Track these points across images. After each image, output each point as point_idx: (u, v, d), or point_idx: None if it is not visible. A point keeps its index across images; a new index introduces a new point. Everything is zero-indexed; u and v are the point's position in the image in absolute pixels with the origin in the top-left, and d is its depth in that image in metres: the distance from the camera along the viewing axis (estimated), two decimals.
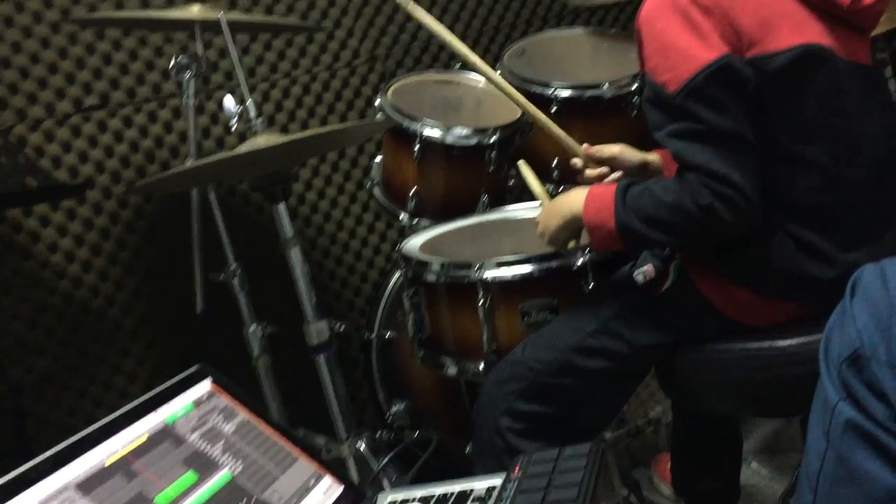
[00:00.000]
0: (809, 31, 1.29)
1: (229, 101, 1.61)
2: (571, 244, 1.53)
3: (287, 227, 1.68)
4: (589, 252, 1.60)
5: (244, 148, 1.47)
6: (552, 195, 2.16)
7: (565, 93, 2.11)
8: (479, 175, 2.06)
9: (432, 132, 2.01)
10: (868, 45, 1.37)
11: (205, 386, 1.11)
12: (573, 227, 1.47)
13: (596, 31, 2.42)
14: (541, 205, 1.71)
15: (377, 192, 2.18)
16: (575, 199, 1.43)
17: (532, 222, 1.96)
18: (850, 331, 0.84)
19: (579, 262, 1.61)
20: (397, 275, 2.22)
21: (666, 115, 1.27)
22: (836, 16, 1.31)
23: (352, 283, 2.50)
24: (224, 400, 1.11)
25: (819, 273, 1.33)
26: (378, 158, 2.19)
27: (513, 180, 2.20)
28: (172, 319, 2.22)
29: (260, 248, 2.08)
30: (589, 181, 1.59)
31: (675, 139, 1.26)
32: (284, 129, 2.36)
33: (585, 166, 1.61)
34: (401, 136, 2.05)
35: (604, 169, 1.56)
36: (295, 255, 1.68)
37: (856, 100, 1.33)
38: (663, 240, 1.33)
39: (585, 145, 1.62)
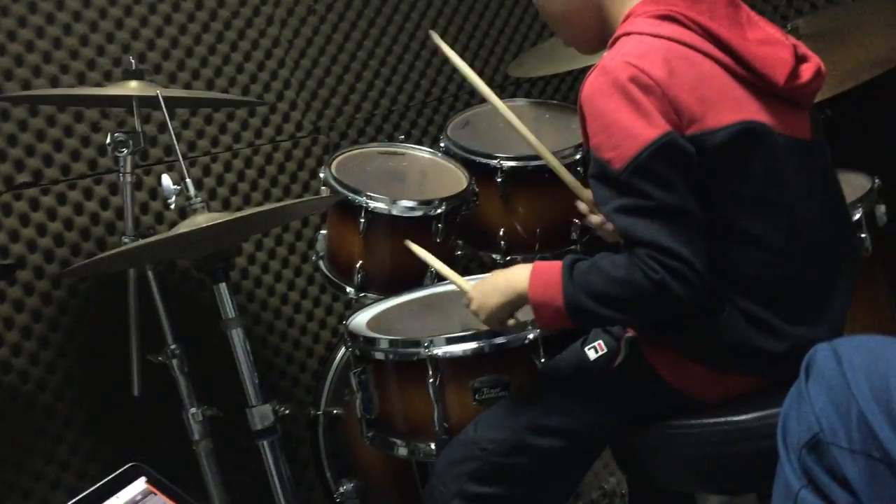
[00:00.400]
0: (747, 109, 1.31)
1: (167, 181, 1.57)
2: (511, 322, 1.48)
3: (229, 308, 1.63)
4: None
5: (183, 228, 1.43)
6: (501, 265, 2.17)
7: (510, 163, 2.12)
8: (426, 247, 2.03)
9: (377, 205, 1.98)
10: (807, 119, 1.39)
11: (138, 486, 1.05)
12: (515, 305, 1.42)
13: (538, 101, 2.45)
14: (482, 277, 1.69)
15: (322, 265, 2.14)
16: (517, 276, 1.38)
17: None
18: (808, 415, 0.82)
19: (530, 336, 1.58)
20: (344, 349, 2.17)
21: (612, 191, 1.27)
22: (772, 93, 1.33)
23: (297, 358, 2.43)
24: (159, 500, 1.05)
25: (769, 346, 1.33)
26: (323, 231, 2.16)
27: (460, 251, 2.19)
28: (108, 404, 2.12)
29: (201, 326, 2.02)
30: (596, 226, 1.64)
31: (622, 215, 1.26)
32: (226, 203, 2.32)
33: (591, 211, 1.66)
34: (346, 210, 2.02)
35: None
36: (237, 337, 1.62)
37: (796, 175, 1.34)
38: (614, 317, 1.31)
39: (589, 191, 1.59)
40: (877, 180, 1.87)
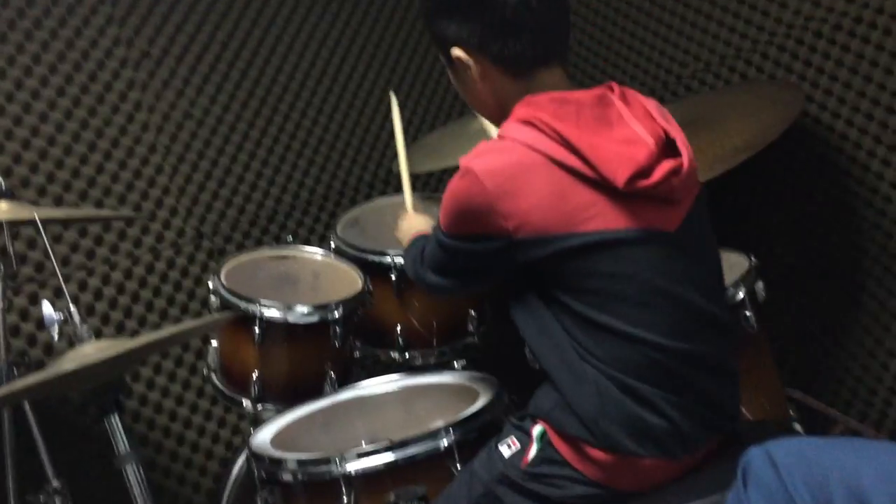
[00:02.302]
0: (589, 213, 1.34)
1: (48, 308, 1.46)
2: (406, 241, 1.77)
3: (122, 442, 1.51)
4: (453, 432, 1.56)
5: (69, 364, 1.32)
6: (400, 362, 2.14)
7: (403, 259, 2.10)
8: (324, 352, 1.99)
9: (272, 313, 1.92)
10: (674, 211, 1.41)
11: None
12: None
13: (426, 196, 2.47)
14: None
15: (215, 379, 2.04)
16: (424, 226, 1.80)
17: (386, 398, 1.92)
18: None
19: (444, 443, 1.55)
20: (239, 463, 2.06)
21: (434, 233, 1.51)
22: (622, 192, 1.36)
23: (189, 478, 2.29)
24: None
25: (649, 418, 1.35)
26: (213, 343, 2.06)
27: (358, 352, 2.14)
28: None
29: (86, 457, 1.87)
30: None
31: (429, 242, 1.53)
32: (105, 319, 2.20)
33: None
34: (239, 319, 1.94)
35: None
36: (132, 473, 1.49)
37: (652, 266, 1.37)
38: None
39: None
40: (753, 258, 1.96)
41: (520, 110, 1.41)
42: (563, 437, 1.43)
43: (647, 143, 1.37)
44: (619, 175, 1.34)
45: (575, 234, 1.34)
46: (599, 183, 1.35)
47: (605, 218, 1.35)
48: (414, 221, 1.90)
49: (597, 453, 1.39)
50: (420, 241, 1.64)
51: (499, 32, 1.39)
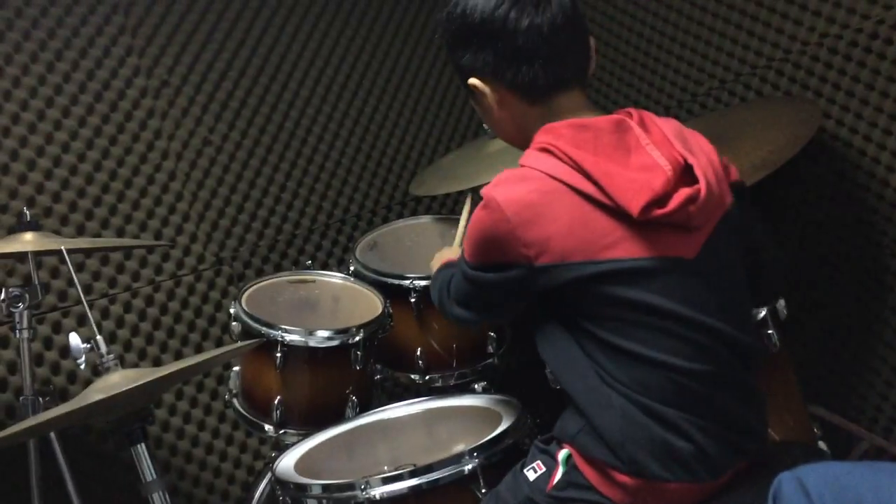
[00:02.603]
0: (605, 240, 1.34)
1: (75, 340, 1.47)
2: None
3: (149, 470, 1.51)
4: (477, 456, 1.56)
5: (98, 395, 1.33)
6: (420, 384, 2.15)
7: (422, 282, 2.11)
8: (345, 376, 1.99)
9: (293, 338, 1.93)
10: (692, 237, 1.39)
11: None
12: None
13: (442, 217, 2.48)
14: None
15: (237, 404, 2.05)
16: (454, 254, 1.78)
17: (408, 422, 1.92)
18: None
19: (468, 467, 1.55)
20: (262, 487, 2.06)
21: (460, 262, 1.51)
22: (639, 221, 1.35)
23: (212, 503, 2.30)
24: None
25: (675, 442, 1.34)
26: (236, 368, 2.07)
27: (378, 375, 2.15)
28: None
29: (111, 485, 1.88)
30: None
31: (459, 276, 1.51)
32: (127, 346, 2.21)
33: None
34: (260, 344, 1.95)
35: None
36: (158, 501, 1.50)
37: (669, 292, 1.36)
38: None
39: None
40: None
41: (539, 138, 1.41)
42: (588, 461, 1.42)
43: (665, 169, 1.36)
44: (634, 204, 1.33)
45: (593, 262, 1.34)
46: (617, 211, 1.35)
47: (623, 246, 1.34)
48: (447, 252, 1.89)
49: (622, 477, 1.39)
50: (447, 271, 1.64)
51: (511, 60, 1.40)
